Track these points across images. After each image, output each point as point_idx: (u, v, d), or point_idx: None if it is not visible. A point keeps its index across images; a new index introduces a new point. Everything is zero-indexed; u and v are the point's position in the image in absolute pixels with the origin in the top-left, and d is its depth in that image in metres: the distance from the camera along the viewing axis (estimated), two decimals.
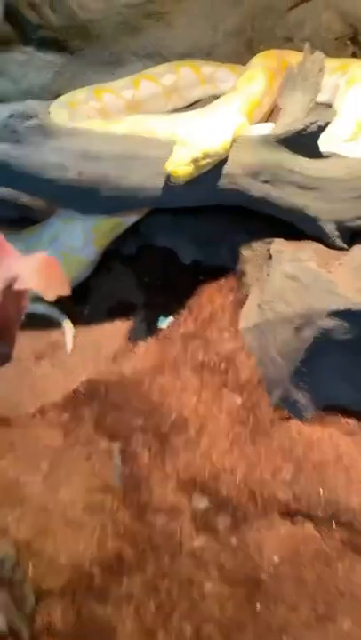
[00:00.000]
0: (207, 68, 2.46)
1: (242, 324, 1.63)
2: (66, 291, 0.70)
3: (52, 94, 2.79)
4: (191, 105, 2.51)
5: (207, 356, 1.63)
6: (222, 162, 1.57)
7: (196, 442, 1.47)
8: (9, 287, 0.65)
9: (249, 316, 1.61)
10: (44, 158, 1.54)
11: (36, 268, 0.66)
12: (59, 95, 2.62)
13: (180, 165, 1.45)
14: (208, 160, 1.50)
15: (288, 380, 1.42)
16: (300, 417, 1.43)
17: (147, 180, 1.56)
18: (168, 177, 1.47)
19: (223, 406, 1.52)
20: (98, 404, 1.61)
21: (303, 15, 2.48)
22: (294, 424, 1.44)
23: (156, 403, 1.58)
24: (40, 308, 1.92)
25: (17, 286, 0.64)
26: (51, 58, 2.79)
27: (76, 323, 1.88)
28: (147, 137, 1.64)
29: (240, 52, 2.65)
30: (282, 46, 2.59)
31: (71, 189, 1.56)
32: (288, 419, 1.44)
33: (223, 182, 1.58)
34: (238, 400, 1.51)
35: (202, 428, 1.50)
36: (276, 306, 1.48)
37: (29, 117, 1.52)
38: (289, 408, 1.44)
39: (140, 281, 1.94)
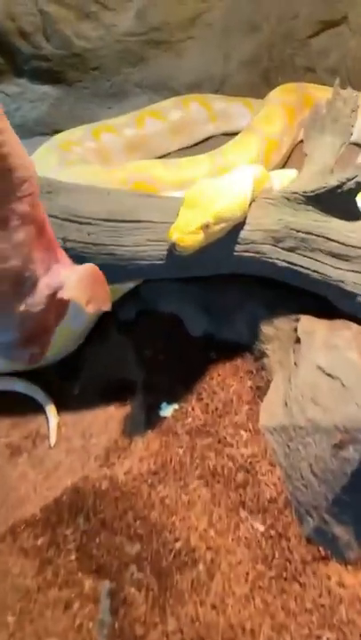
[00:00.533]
0: (219, 104, 2.19)
1: (263, 421, 1.32)
2: (106, 307, 0.69)
3: (48, 128, 2.54)
4: (200, 143, 2.24)
5: (220, 462, 1.32)
6: (238, 225, 1.28)
7: (205, 584, 1.15)
8: (54, 294, 0.62)
9: (272, 412, 1.30)
10: None
11: (82, 279, 0.64)
12: (55, 131, 2.38)
13: (188, 233, 1.16)
14: (222, 225, 1.21)
15: (325, 509, 1.10)
16: (342, 558, 1.11)
17: (146, 247, 1.27)
18: (172, 246, 1.18)
19: (241, 534, 1.20)
20: (84, 522, 1.29)
21: (327, 43, 2.21)
22: (334, 568, 1.11)
23: (155, 522, 1.26)
24: (19, 386, 1.63)
25: (60, 295, 0.62)
26: (46, 90, 2.53)
27: (62, 405, 1.57)
28: (148, 194, 1.36)
29: (255, 84, 2.39)
30: (303, 78, 2.33)
31: None
32: (325, 559, 1.12)
33: (239, 249, 1.29)
34: (260, 526, 1.19)
35: (213, 563, 1.18)
36: (307, 408, 1.17)
37: None
38: (326, 544, 1.12)
39: (140, 354, 1.63)
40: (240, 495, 1.25)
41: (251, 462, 1.27)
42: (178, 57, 2.31)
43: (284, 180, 1.49)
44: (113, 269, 1.30)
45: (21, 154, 0.55)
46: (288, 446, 1.21)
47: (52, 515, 1.33)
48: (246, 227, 1.28)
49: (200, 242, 1.18)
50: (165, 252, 1.27)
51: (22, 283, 0.58)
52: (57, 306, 0.63)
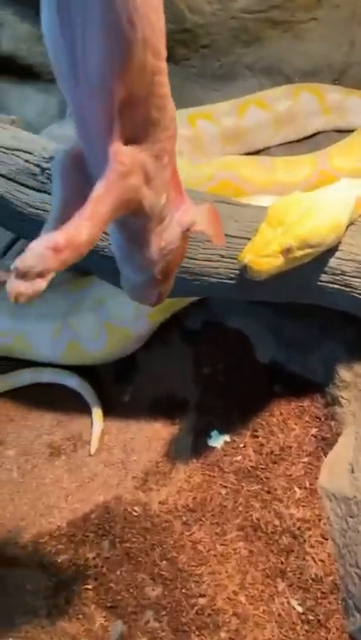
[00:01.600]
0: (334, 95, 1.93)
1: (323, 482, 1.14)
2: (223, 243, 0.80)
3: None
4: (307, 138, 2.01)
5: (265, 516, 1.16)
6: (328, 251, 1.08)
7: None
8: (186, 231, 0.67)
9: (335, 474, 1.11)
10: None
11: (207, 217, 0.69)
12: None
13: (264, 256, 0.99)
14: (308, 251, 1.02)
15: None
16: None
17: (217, 263, 1.11)
18: (243, 268, 1.01)
19: (275, 608, 1.05)
20: (108, 548, 1.20)
21: None
22: None
23: (183, 568, 1.14)
24: (72, 382, 1.56)
25: (193, 230, 0.67)
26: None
27: (109, 410, 1.48)
28: (226, 199, 1.19)
29: None
30: None
31: (111, 262, 1.16)
32: None
33: (325, 279, 1.09)
34: (298, 606, 1.03)
35: (238, 634, 1.03)
36: None
37: None
38: None
39: (198, 370, 1.49)
40: (281, 562, 1.09)
41: (300, 527, 1.10)
42: (297, 39, 2.06)
43: None
44: (178, 283, 1.16)
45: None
46: (347, 522, 1.03)
47: (77, 532, 1.25)
48: (337, 254, 1.08)
49: (277, 268, 1.00)
50: (238, 271, 1.10)
51: (163, 219, 0.64)
52: (183, 243, 0.68)
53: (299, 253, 1.01)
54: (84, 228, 0.53)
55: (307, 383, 1.30)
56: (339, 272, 1.07)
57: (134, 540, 1.21)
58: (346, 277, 1.07)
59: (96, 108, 0.55)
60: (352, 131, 1.83)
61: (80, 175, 0.61)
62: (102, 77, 0.52)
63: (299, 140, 1.96)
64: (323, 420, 1.24)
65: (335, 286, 1.09)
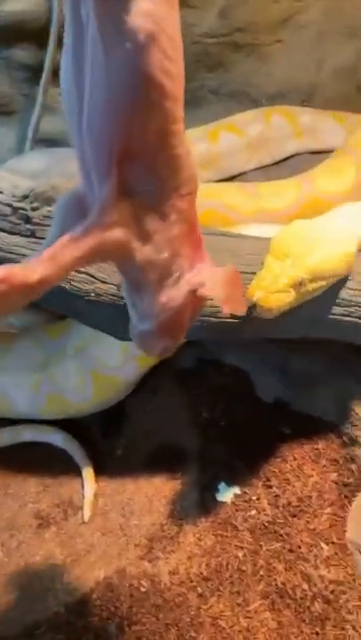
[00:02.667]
0: (306, 117, 1.90)
1: (352, 535, 1.03)
2: (242, 310, 0.70)
3: None
4: (281, 162, 1.96)
5: (292, 580, 1.04)
6: (340, 281, 1.00)
7: None
8: (194, 291, 0.65)
9: None
10: None
11: (223, 279, 0.66)
12: None
13: (274, 292, 0.89)
14: (321, 284, 0.93)
15: None
16: None
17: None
18: (252, 307, 0.91)
19: None
20: (116, 634, 1.05)
21: None
22: None
23: None
24: (57, 439, 1.41)
25: (200, 292, 0.65)
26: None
27: (101, 468, 1.34)
28: (216, 231, 1.10)
29: (350, 96, 2.08)
30: None
31: (100, 307, 1.04)
32: None
33: (338, 312, 1.00)
34: None
35: None
36: None
37: (51, 201, 1.02)
38: None
39: (196, 415, 1.37)
40: (317, 633, 0.97)
41: (333, 591, 0.99)
42: (262, 62, 2.03)
43: None
44: None
45: (189, 152, 0.59)
46: None
47: (78, 617, 1.09)
48: (349, 284, 1.00)
49: (289, 304, 0.90)
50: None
51: (168, 275, 0.62)
52: (194, 304, 0.66)
53: (311, 286, 0.91)
54: (38, 267, 0.52)
55: (318, 422, 1.20)
56: (353, 304, 0.99)
57: (145, 620, 1.06)
58: (360, 309, 0.99)
59: (94, 156, 0.54)
60: (326, 152, 1.80)
61: (80, 218, 0.57)
62: (101, 128, 0.53)
63: (274, 163, 1.92)
64: (341, 463, 1.14)
65: (350, 319, 1.00)
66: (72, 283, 1.05)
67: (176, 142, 0.55)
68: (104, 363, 1.33)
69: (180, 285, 0.64)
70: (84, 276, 1.05)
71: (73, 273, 1.07)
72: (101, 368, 1.33)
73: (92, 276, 1.05)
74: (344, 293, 0.99)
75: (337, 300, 0.99)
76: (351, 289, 0.99)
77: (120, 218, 0.56)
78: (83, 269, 1.06)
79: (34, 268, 0.52)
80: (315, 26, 1.90)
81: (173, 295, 0.64)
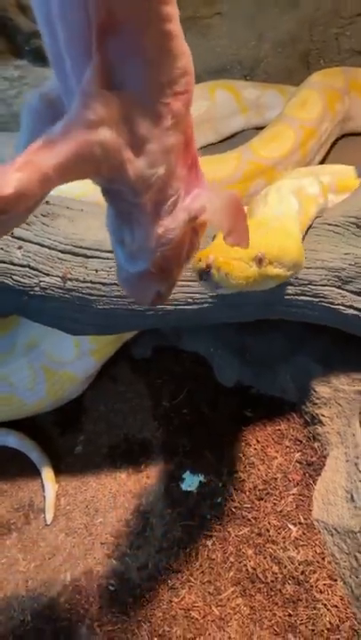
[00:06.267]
0: (250, 92, 1.86)
1: (318, 515, 1.03)
2: (246, 244, 0.56)
3: None
4: (227, 139, 1.92)
5: (262, 564, 1.03)
6: None
7: None
8: (193, 219, 0.53)
9: (331, 504, 1.00)
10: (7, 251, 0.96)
11: (226, 205, 0.54)
12: None
13: (235, 259, 0.82)
14: (281, 271, 0.88)
15: None
16: None
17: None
18: (205, 275, 0.83)
19: None
20: (87, 635, 1.02)
21: None
22: None
23: None
24: (11, 441, 1.35)
25: (201, 218, 0.53)
26: (50, 73, 2.23)
27: (61, 467, 1.29)
28: None
29: (293, 69, 2.05)
30: (348, 61, 2.00)
31: (46, 302, 0.98)
32: None
33: (292, 292, 0.98)
34: None
35: None
36: None
37: None
38: None
39: (157, 404, 1.34)
40: (289, 615, 0.96)
41: (303, 572, 0.98)
42: (202, 36, 1.97)
43: (338, 181, 1.16)
44: (127, 317, 1.00)
45: (184, 41, 0.48)
46: (356, 559, 0.92)
47: (46, 623, 1.05)
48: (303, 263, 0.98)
49: (250, 279, 0.84)
50: (197, 295, 0.97)
51: (164, 200, 0.51)
52: (192, 235, 0.55)
53: (272, 271, 0.87)
54: (10, 177, 0.42)
55: (279, 403, 1.19)
56: (306, 282, 0.96)
57: (116, 620, 1.04)
58: (315, 287, 0.97)
59: (69, 32, 0.43)
60: None
61: (54, 120, 0.46)
62: None
63: (221, 141, 1.88)
64: (304, 442, 1.13)
65: (304, 298, 0.98)
66: (14, 277, 0.99)
67: (168, 13, 0.45)
68: (56, 358, 1.27)
69: (176, 213, 0.53)
70: (26, 269, 0.99)
71: (14, 267, 1.00)
72: (53, 363, 1.27)
73: (35, 269, 0.99)
74: (300, 273, 0.97)
75: (291, 280, 0.97)
76: (306, 267, 0.97)
77: (107, 114, 0.45)
78: (25, 262, 1.00)
79: (5, 179, 0.41)
80: None
81: (170, 225, 0.53)
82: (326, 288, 0.97)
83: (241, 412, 1.23)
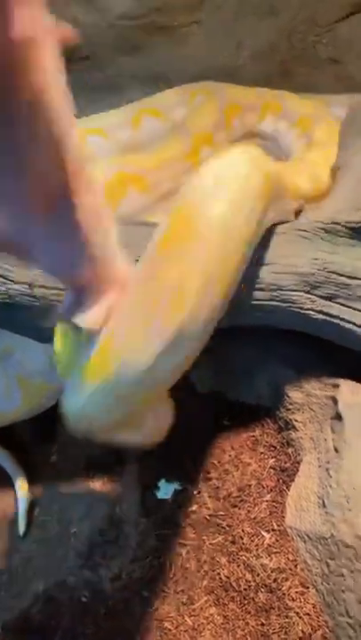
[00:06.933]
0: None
1: (291, 522, 1.02)
2: None
3: None
4: None
5: (235, 572, 1.02)
6: (259, 264, 0.97)
7: None
8: None
9: (304, 510, 1.00)
10: None
11: None
12: None
13: None
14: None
15: None
16: None
17: None
18: None
19: None
20: None
21: (357, 29, 1.90)
22: None
23: None
24: None
25: None
26: None
27: (36, 477, 1.27)
28: (150, 222, 1.05)
29: (271, 77, 2.06)
30: (327, 69, 2.01)
31: (15, 307, 0.97)
32: None
33: (261, 297, 0.98)
34: None
35: None
36: (359, 520, 0.87)
37: None
38: None
39: None
40: (262, 624, 0.95)
41: (276, 579, 0.97)
42: (180, 45, 1.98)
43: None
44: None
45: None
46: (328, 565, 0.91)
47: (16, 636, 1.03)
48: (272, 267, 0.98)
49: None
50: None
51: None
52: None
53: None
54: None
55: (254, 409, 1.18)
56: (276, 287, 0.96)
57: (88, 632, 1.02)
58: (284, 292, 0.97)
59: None
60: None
61: None
62: None
63: None
64: (278, 448, 1.13)
65: (273, 303, 0.98)
66: None
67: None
68: (30, 367, 1.26)
69: None
70: None
71: None
72: (28, 373, 1.26)
73: (3, 276, 0.98)
74: (266, 276, 0.97)
75: (260, 284, 0.97)
76: (273, 272, 0.97)
77: None
78: None
79: None
80: (231, 6, 1.86)
81: None
82: (295, 293, 0.97)
83: (217, 419, 1.23)
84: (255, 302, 0.98)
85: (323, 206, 1.03)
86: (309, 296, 0.97)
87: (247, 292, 0.97)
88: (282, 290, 0.97)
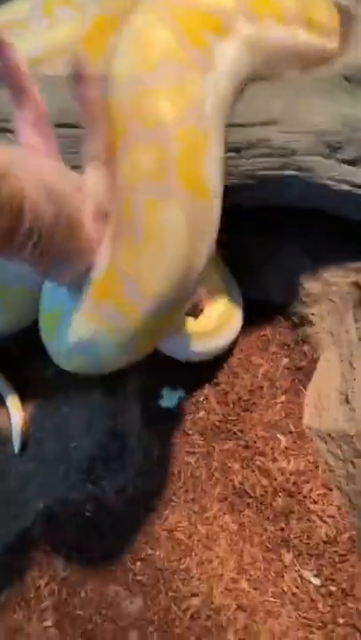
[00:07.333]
0: None
1: (310, 421, 0.92)
2: None
3: None
4: None
5: (250, 477, 0.94)
6: (263, 125, 0.81)
7: None
8: None
9: (324, 408, 0.90)
10: None
11: None
12: None
13: None
14: None
15: None
16: None
17: None
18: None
19: (286, 587, 0.84)
20: (63, 566, 0.94)
21: None
22: None
23: (163, 567, 0.90)
24: None
25: None
26: None
27: (30, 394, 1.18)
28: None
29: None
30: None
31: None
32: None
33: (268, 166, 0.83)
34: (313, 578, 0.83)
35: (248, 631, 0.83)
36: None
37: None
38: None
39: None
40: (281, 529, 0.88)
41: (295, 482, 0.89)
42: None
43: None
44: None
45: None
46: (353, 464, 0.82)
47: (18, 557, 0.97)
48: (280, 127, 0.82)
49: None
50: None
51: None
52: None
53: None
54: None
55: (263, 306, 1.06)
56: (288, 151, 0.81)
57: (94, 546, 0.95)
58: (297, 158, 0.81)
59: None
60: None
61: None
62: None
63: None
64: (292, 346, 1.02)
65: (284, 173, 0.83)
66: None
67: None
68: (5, 273, 1.13)
69: None
70: None
71: None
72: (3, 279, 1.13)
73: None
74: (275, 139, 0.81)
75: (266, 150, 0.81)
76: (282, 133, 0.81)
77: None
78: None
79: None
80: None
81: None
82: (312, 158, 0.82)
83: None
84: (261, 172, 0.83)
85: (342, 53, 0.86)
86: (330, 162, 0.82)
87: (250, 162, 0.82)
88: (295, 155, 0.82)
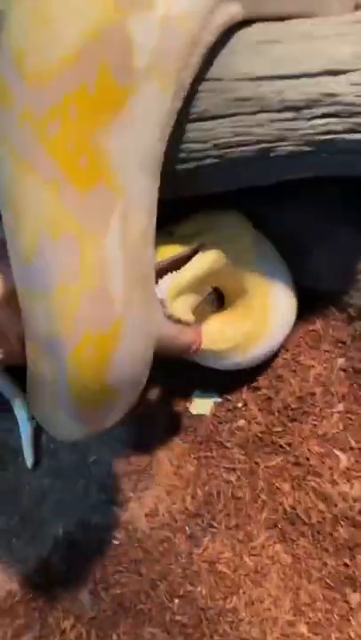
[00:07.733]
0: None
1: None
2: None
3: None
4: None
5: (304, 501, 0.80)
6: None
7: None
8: None
9: None
10: None
11: None
12: None
13: None
14: None
15: None
16: None
17: None
18: None
19: (352, 633, 0.73)
20: (91, 604, 0.82)
21: None
22: None
23: (205, 606, 0.78)
24: None
25: None
26: None
27: None
28: None
29: None
30: None
31: None
32: None
33: (307, 127, 0.65)
34: None
35: None
36: None
37: None
38: None
39: None
40: (345, 565, 0.75)
41: (360, 510, 0.76)
42: None
43: None
44: None
45: None
46: None
47: (37, 592, 0.85)
48: (349, 78, 0.63)
49: None
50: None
51: None
52: None
53: None
54: None
55: (312, 295, 0.90)
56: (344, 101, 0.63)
57: (125, 580, 0.83)
58: (354, 108, 0.63)
59: None
60: None
61: None
62: None
63: None
64: (349, 343, 0.86)
65: (329, 137, 0.65)
66: None
67: None
68: None
69: None
70: None
71: None
72: None
73: None
74: (348, 93, 0.63)
75: (337, 109, 0.63)
76: (356, 84, 0.62)
77: None
78: None
79: None
80: None
81: None
82: (341, 121, 0.63)
83: None
84: (324, 137, 0.65)
85: None
86: None
87: (311, 122, 0.64)
88: (355, 107, 0.63)
